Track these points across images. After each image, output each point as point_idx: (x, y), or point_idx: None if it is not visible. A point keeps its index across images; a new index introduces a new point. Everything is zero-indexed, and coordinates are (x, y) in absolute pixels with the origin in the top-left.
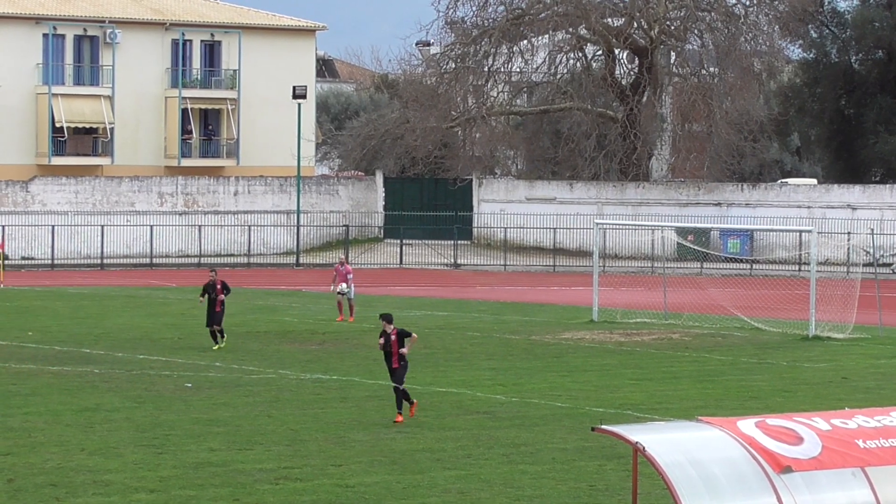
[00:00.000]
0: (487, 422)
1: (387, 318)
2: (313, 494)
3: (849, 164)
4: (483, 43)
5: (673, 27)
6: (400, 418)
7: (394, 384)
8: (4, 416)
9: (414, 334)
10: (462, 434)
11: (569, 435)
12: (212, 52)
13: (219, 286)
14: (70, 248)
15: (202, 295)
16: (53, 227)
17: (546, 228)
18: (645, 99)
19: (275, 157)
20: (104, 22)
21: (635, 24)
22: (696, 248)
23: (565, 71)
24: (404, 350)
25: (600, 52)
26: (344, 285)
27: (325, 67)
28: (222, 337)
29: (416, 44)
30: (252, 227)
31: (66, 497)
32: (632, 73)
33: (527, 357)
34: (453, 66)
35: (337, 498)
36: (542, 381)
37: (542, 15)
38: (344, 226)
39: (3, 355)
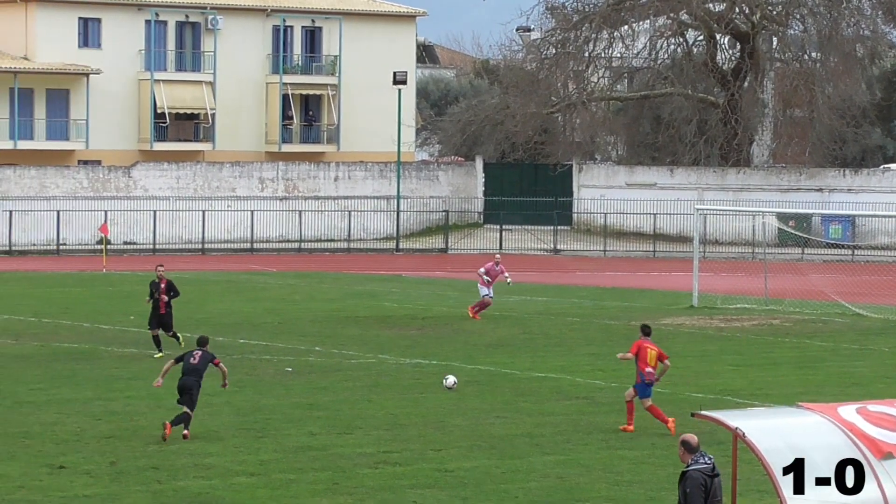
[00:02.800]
0: (586, 407)
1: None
2: (413, 479)
3: None
4: (584, 28)
5: (775, 12)
6: None
7: None
8: (107, 399)
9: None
10: (561, 419)
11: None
12: (312, 38)
13: (163, 286)
14: (171, 233)
15: (149, 297)
16: (155, 212)
17: (646, 214)
18: (746, 84)
19: (375, 143)
20: (206, 8)
21: (737, 9)
22: (797, 233)
23: (666, 56)
24: None
25: (701, 37)
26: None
27: (426, 53)
28: (178, 341)
29: (517, 29)
30: (352, 213)
31: (167, 480)
32: (733, 58)
33: (626, 343)
34: (554, 51)
35: (436, 482)
36: None
37: (643, 0)
38: (444, 211)
39: (106, 339)
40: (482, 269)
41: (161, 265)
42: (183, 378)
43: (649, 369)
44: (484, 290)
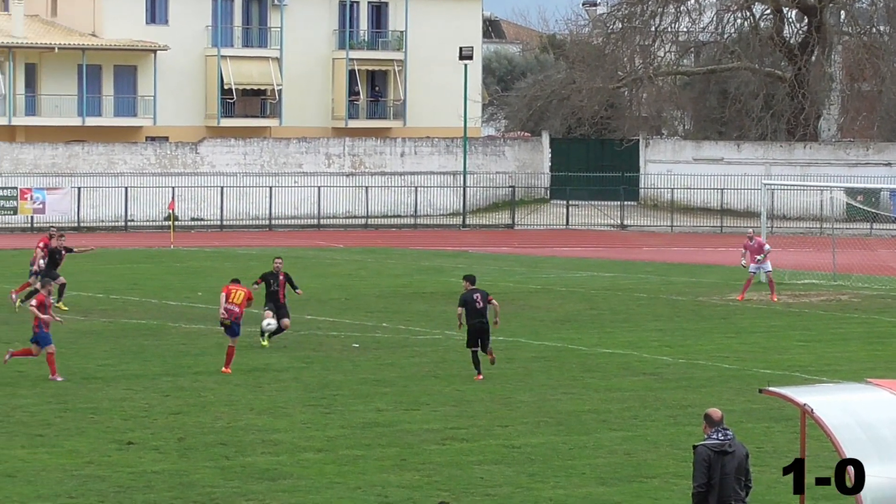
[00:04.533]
0: (654, 383)
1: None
2: (480, 455)
3: None
4: (650, 2)
5: None
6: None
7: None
8: (175, 375)
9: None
10: (628, 395)
11: (736, 396)
12: (378, 13)
13: (281, 278)
14: (238, 209)
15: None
16: (222, 188)
17: (713, 189)
18: (813, 58)
19: (441, 119)
20: None
21: None
22: (865, 208)
23: (733, 30)
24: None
25: (768, 11)
26: (753, 265)
27: (492, 28)
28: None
29: (583, 4)
30: (418, 188)
31: (235, 456)
32: (800, 32)
33: (694, 318)
34: (620, 25)
35: (503, 458)
36: (708, 343)
37: None
38: (510, 187)
39: (174, 315)
40: (742, 251)
41: (279, 258)
42: None
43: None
44: (752, 268)
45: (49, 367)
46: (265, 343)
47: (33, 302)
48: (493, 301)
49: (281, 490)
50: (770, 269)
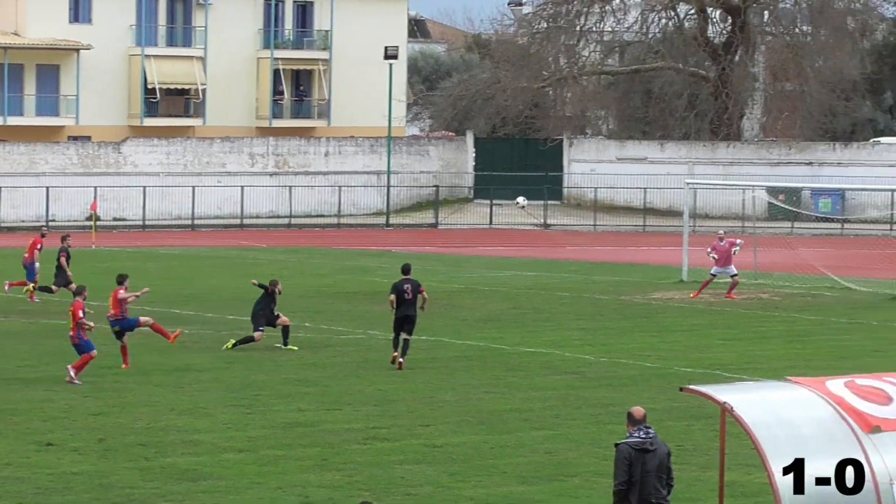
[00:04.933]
0: (576, 382)
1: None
2: (401, 454)
3: None
4: (575, 2)
5: None
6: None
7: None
8: (96, 376)
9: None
10: (550, 394)
11: (657, 395)
12: (304, 13)
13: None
14: (161, 208)
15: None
16: (145, 187)
17: (636, 188)
18: (737, 58)
19: (366, 118)
20: None
21: None
22: (787, 207)
23: (657, 30)
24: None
25: (692, 10)
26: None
27: (417, 27)
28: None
29: (508, 3)
30: (342, 188)
31: (155, 457)
32: (724, 32)
33: (616, 317)
34: (545, 25)
35: (425, 458)
36: (631, 342)
37: None
38: (434, 186)
39: (95, 316)
40: (709, 249)
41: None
42: None
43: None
44: (714, 269)
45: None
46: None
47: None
48: (424, 293)
49: (201, 491)
50: (735, 271)
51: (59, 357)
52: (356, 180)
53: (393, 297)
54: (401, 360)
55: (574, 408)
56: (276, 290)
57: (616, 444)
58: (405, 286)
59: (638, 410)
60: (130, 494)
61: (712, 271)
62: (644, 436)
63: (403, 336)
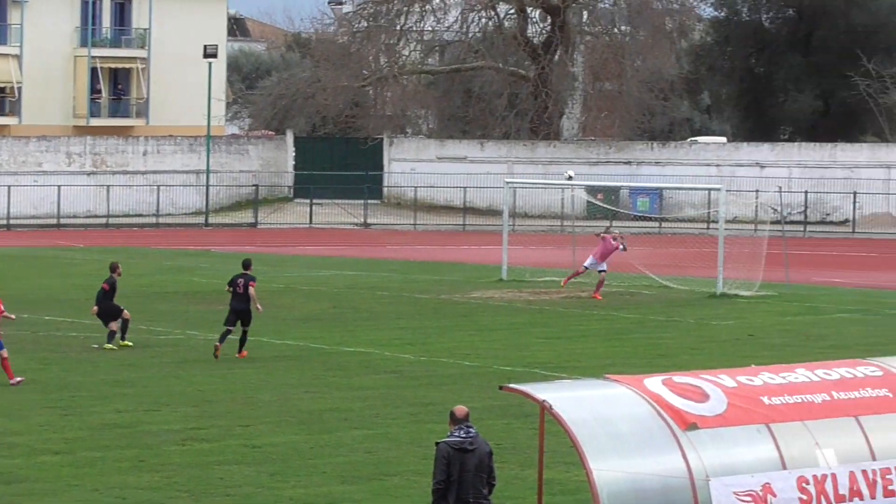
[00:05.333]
0: (396, 381)
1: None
2: (220, 455)
3: (758, 123)
4: (395, 2)
5: None
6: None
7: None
8: None
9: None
10: (370, 393)
11: (477, 394)
12: (122, 11)
13: None
14: None
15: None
16: None
17: (457, 188)
18: (557, 58)
19: (185, 117)
20: None
21: None
22: (605, 206)
23: (477, 30)
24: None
25: (512, 10)
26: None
27: (237, 26)
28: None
29: (329, 2)
30: (161, 187)
31: None
32: (544, 31)
33: (436, 316)
34: (365, 24)
35: (244, 458)
36: (450, 341)
37: None
38: (254, 185)
39: None
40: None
41: None
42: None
43: None
44: (588, 262)
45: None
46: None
47: None
48: (252, 290)
49: (17, 494)
50: (605, 268)
51: None
52: (175, 179)
53: (230, 288)
54: (239, 353)
55: (394, 407)
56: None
57: (437, 443)
58: (238, 280)
59: (460, 409)
60: None
61: (586, 264)
62: (464, 435)
63: (242, 328)
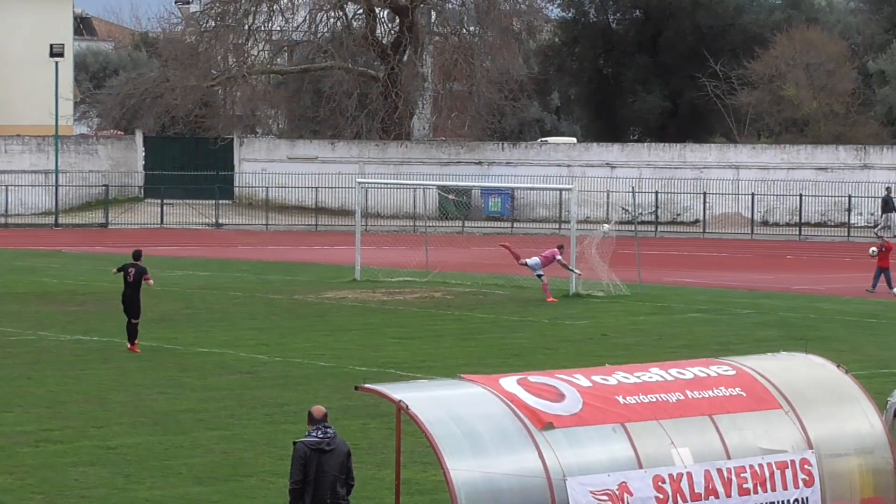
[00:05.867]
0: (250, 381)
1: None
2: (75, 456)
3: (608, 124)
4: (243, 1)
5: None
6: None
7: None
8: None
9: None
10: (225, 394)
11: (332, 394)
12: None
13: None
14: None
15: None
16: None
17: (308, 188)
18: (406, 58)
19: (32, 116)
20: None
21: None
22: (456, 205)
23: (326, 30)
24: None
25: (361, 10)
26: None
27: (83, 25)
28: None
29: (176, 2)
30: (9, 188)
31: None
32: (393, 31)
33: (290, 316)
34: (213, 24)
35: (99, 459)
36: (305, 341)
37: None
38: (103, 185)
39: None
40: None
41: None
42: None
43: None
44: (532, 261)
45: None
46: None
47: None
48: (150, 281)
49: None
50: (542, 273)
51: None
52: (23, 179)
53: (115, 270)
54: (129, 346)
55: (249, 408)
56: None
57: (294, 443)
58: (129, 268)
59: (318, 409)
60: None
61: (528, 262)
62: (322, 435)
63: (132, 320)
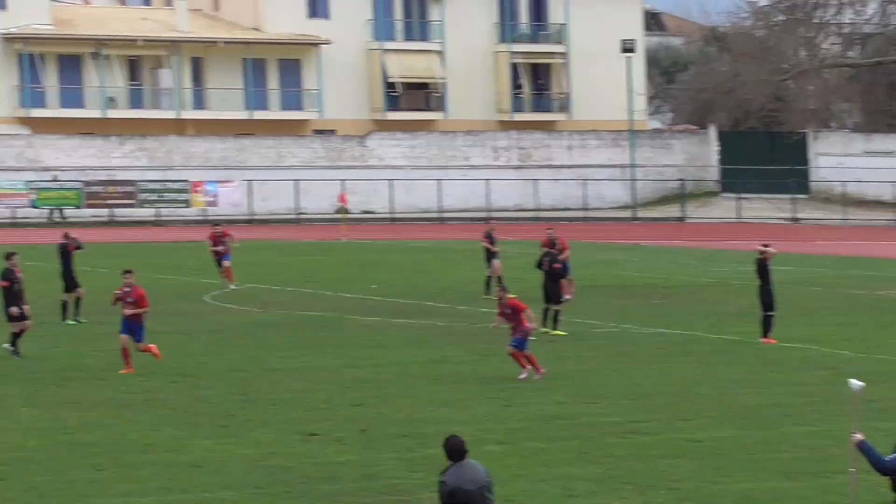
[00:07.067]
0: (835, 378)
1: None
2: (662, 448)
3: None
4: None
5: None
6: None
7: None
8: (354, 367)
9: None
10: (811, 389)
11: None
12: (538, 6)
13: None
14: (408, 201)
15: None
16: (391, 181)
17: (887, 182)
18: None
19: (606, 111)
20: None
21: None
22: None
23: None
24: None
25: None
26: None
27: (654, 21)
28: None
29: None
30: (587, 182)
31: (417, 447)
32: None
33: (873, 312)
34: (782, 18)
35: (686, 452)
36: (890, 338)
37: None
38: (679, 180)
39: (350, 308)
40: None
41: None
42: None
43: None
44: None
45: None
46: None
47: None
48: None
49: None
50: None
51: (317, 348)
52: (600, 174)
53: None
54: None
55: (836, 404)
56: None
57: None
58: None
59: None
60: (396, 485)
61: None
62: None
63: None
